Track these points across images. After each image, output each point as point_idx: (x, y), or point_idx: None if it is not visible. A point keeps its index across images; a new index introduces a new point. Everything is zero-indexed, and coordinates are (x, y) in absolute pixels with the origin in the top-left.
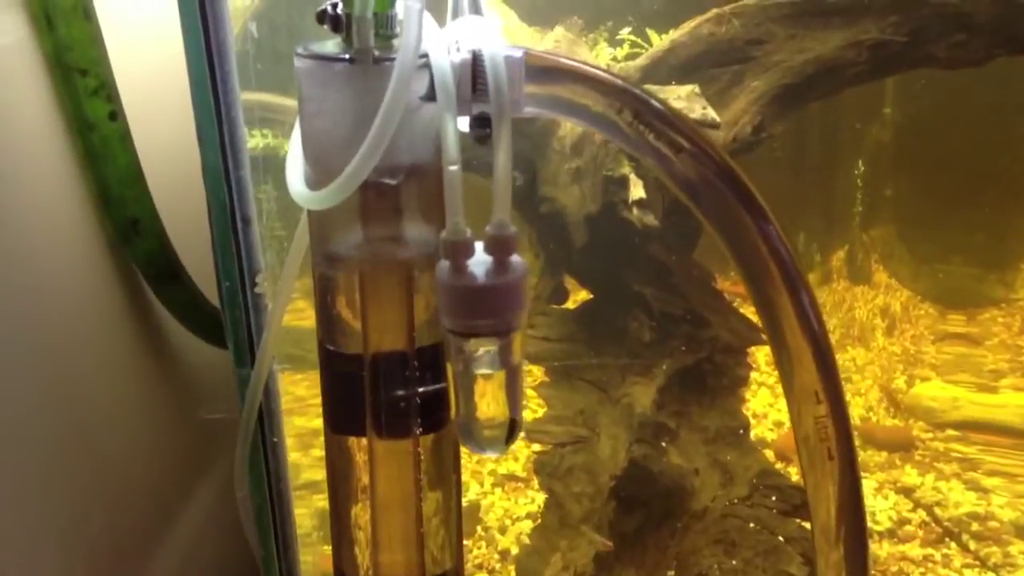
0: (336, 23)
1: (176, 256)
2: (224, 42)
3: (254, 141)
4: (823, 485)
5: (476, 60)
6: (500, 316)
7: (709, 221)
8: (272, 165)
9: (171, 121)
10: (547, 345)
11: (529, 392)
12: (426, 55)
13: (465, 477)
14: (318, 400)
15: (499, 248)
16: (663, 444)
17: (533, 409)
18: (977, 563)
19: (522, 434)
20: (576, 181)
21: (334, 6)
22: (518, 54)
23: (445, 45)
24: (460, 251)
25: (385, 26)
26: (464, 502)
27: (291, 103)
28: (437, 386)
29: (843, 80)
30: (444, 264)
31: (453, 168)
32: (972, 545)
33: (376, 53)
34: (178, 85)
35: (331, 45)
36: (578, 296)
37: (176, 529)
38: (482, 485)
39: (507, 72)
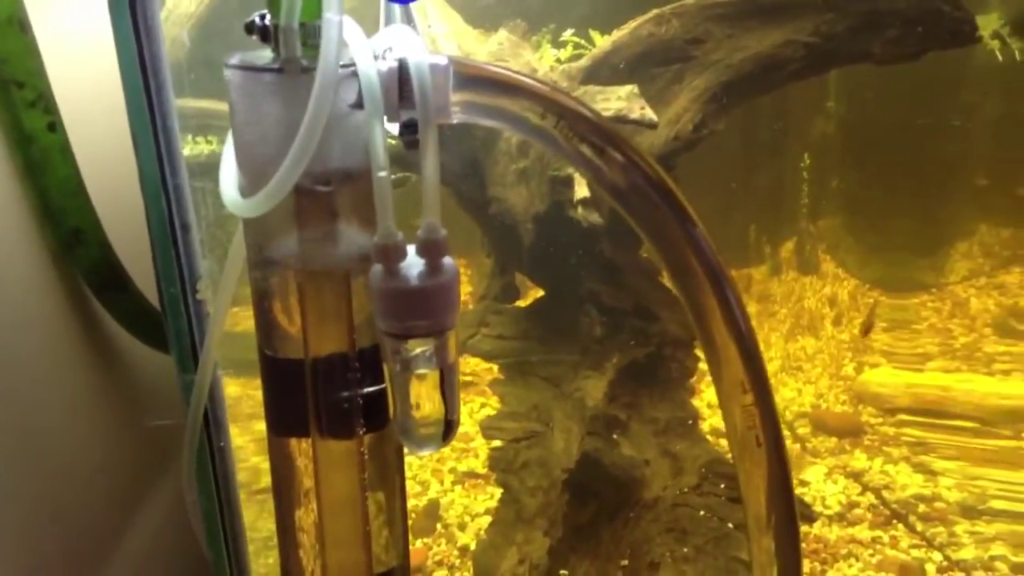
0: (264, 34)
1: (120, 264)
2: (157, 53)
3: (196, 147)
4: (753, 475)
5: (402, 68)
6: (434, 317)
7: (638, 225)
8: (212, 171)
9: (111, 131)
10: (501, 343)
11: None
12: (353, 64)
13: (425, 475)
14: None
15: (431, 251)
16: (615, 436)
17: (493, 407)
18: (924, 543)
19: (477, 431)
20: (523, 181)
21: (262, 17)
22: (443, 62)
23: (371, 54)
24: (392, 255)
25: (313, 36)
26: (424, 500)
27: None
28: (379, 386)
29: (781, 77)
30: (377, 268)
31: (382, 174)
32: (919, 526)
33: (304, 63)
34: (117, 95)
35: (264, 56)
36: (531, 294)
37: (129, 535)
38: (442, 483)
39: (432, 80)
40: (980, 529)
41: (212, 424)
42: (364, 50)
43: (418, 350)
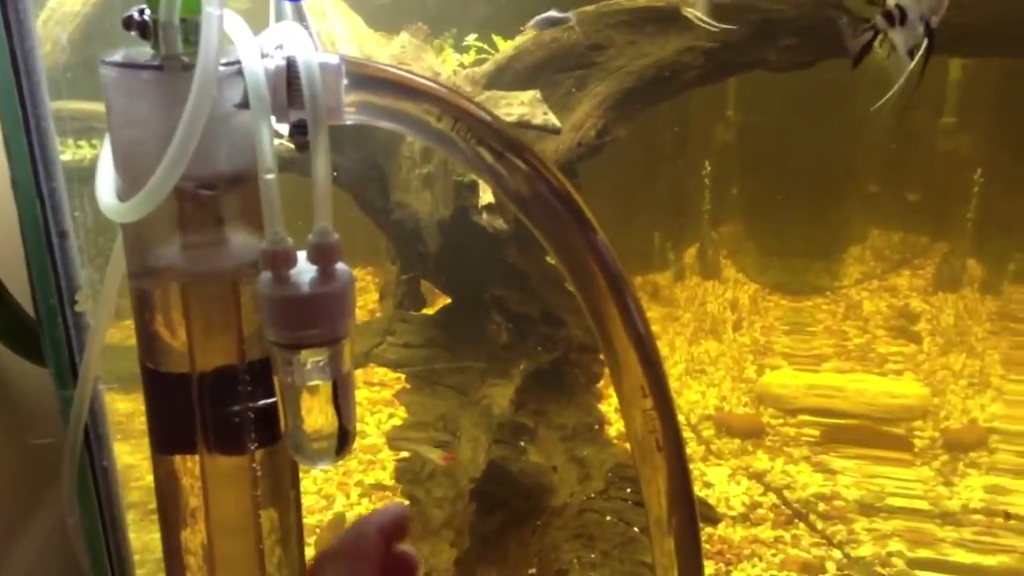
0: (143, 29)
1: None
2: (31, 52)
3: (80, 151)
4: (654, 479)
5: (291, 66)
6: (327, 325)
7: (540, 233)
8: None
9: None
10: (407, 352)
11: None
12: (238, 61)
13: (331, 489)
14: None
15: (323, 256)
16: (522, 444)
17: (401, 416)
18: (824, 541)
19: (384, 442)
20: (427, 186)
21: (141, 12)
22: (335, 61)
23: (257, 50)
24: (281, 261)
25: (195, 32)
26: (330, 514)
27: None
28: (271, 399)
29: (681, 84)
30: (266, 276)
31: (269, 176)
32: (819, 524)
33: (185, 60)
34: None
35: (144, 51)
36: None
37: (8, 561)
38: (348, 496)
39: (323, 79)
40: (878, 526)
41: (94, 441)
42: (249, 46)
43: (311, 361)
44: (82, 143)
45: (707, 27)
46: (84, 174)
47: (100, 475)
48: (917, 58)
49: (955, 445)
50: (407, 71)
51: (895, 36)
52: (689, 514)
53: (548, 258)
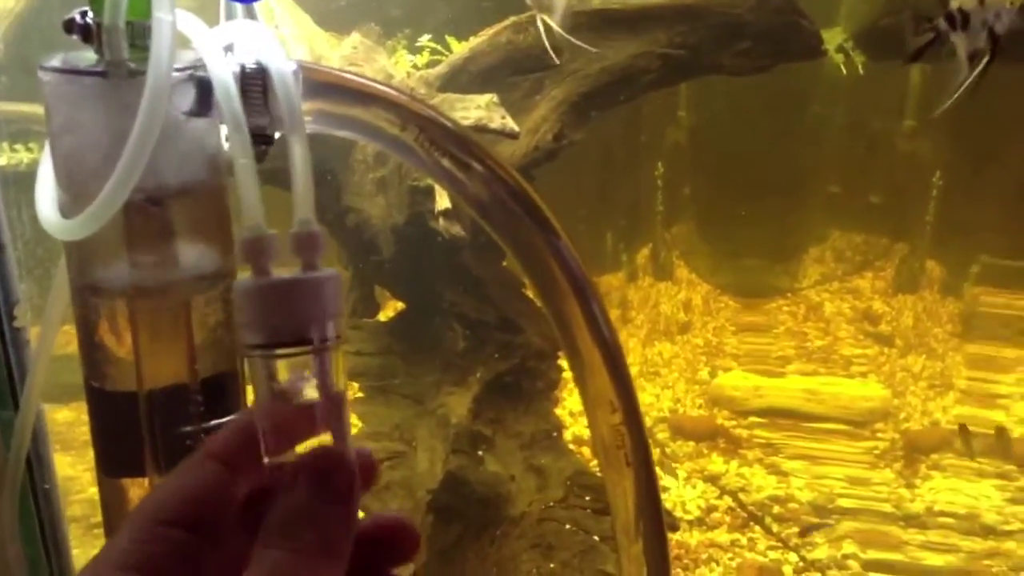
0: (86, 33)
1: None
2: None
3: (15, 155)
4: (620, 483)
5: (245, 72)
6: (311, 318)
7: (501, 238)
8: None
9: None
10: (362, 360)
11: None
12: (190, 67)
13: None
14: None
15: (306, 246)
16: (480, 453)
17: (355, 426)
18: (780, 544)
19: None
20: (381, 191)
21: (83, 14)
22: (293, 67)
23: (223, 54)
24: (263, 250)
25: (141, 36)
26: None
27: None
28: (224, 419)
29: (638, 87)
30: (242, 278)
31: (244, 161)
32: (775, 527)
33: (132, 66)
34: None
35: (87, 57)
36: (391, 309)
37: None
38: None
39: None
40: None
41: (35, 462)
42: (214, 50)
43: (296, 374)
44: (18, 147)
45: (558, 38)
46: (20, 179)
47: (42, 498)
48: (979, 65)
49: (915, 447)
50: (362, 76)
51: (956, 40)
52: (656, 519)
53: (504, 264)
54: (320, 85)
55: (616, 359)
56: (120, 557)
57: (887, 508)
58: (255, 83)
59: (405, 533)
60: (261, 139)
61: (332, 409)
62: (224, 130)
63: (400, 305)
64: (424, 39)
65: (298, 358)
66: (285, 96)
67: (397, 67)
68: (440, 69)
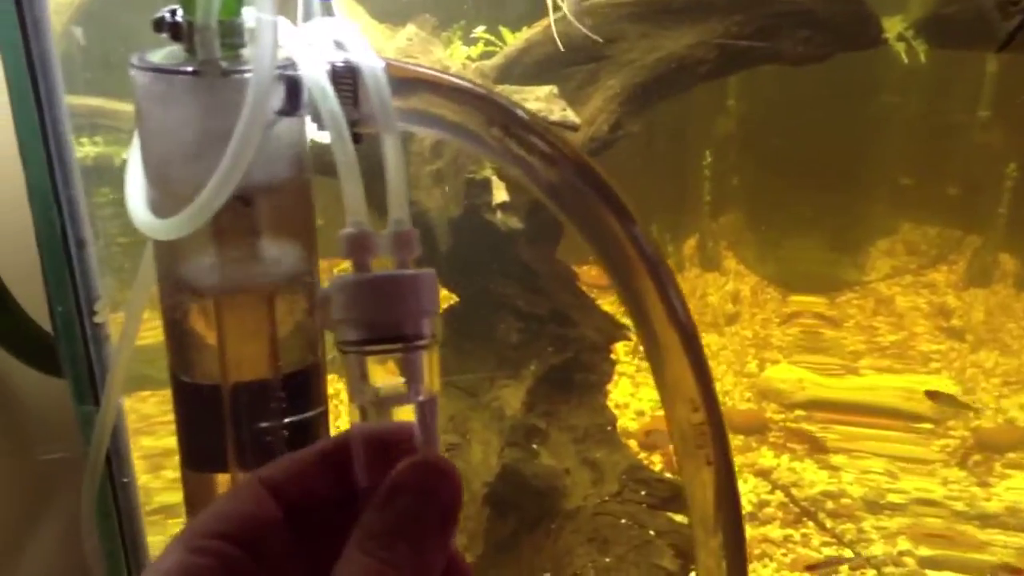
0: (176, 31)
1: (0, 281)
2: (47, 52)
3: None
4: (698, 475)
5: (336, 71)
6: (411, 316)
7: (574, 224)
8: (109, 175)
9: None
10: None
11: None
12: (279, 67)
13: None
14: (167, 418)
15: (401, 245)
16: (534, 446)
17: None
18: (834, 540)
19: None
20: (437, 184)
21: (172, 12)
22: (380, 65)
23: (318, 57)
24: (365, 246)
25: (232, 35)
26: None
27: (125, 108)
28: (305, 415)
29: (694, 77)
30: (340, 275)
31: (345, 158)
32: (828, 523)
33: (224, 65)
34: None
35: (169, 53)
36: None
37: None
38: None
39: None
40: (884, 524)
41: (114, 458)
42: (305, 50)
43: (388, 382)
44: (83, 140)
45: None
46: (86, 173)
47: (120, 493)
48: None
49: (988, 445)
50: (434, 69)
51: None
52: (735, 511)
53: (558, 256)
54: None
55: (694, 343)
56: (174, 567)
57: (959, 507)
58: (346, 81)
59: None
60: (351, 138)
61: (426, 411)
62: (310, 127)
63: (453, 298)
64: (478, 30)
65: (393, 357)
66: (377, 94)
67: (452, 58)
68: (496, 60)
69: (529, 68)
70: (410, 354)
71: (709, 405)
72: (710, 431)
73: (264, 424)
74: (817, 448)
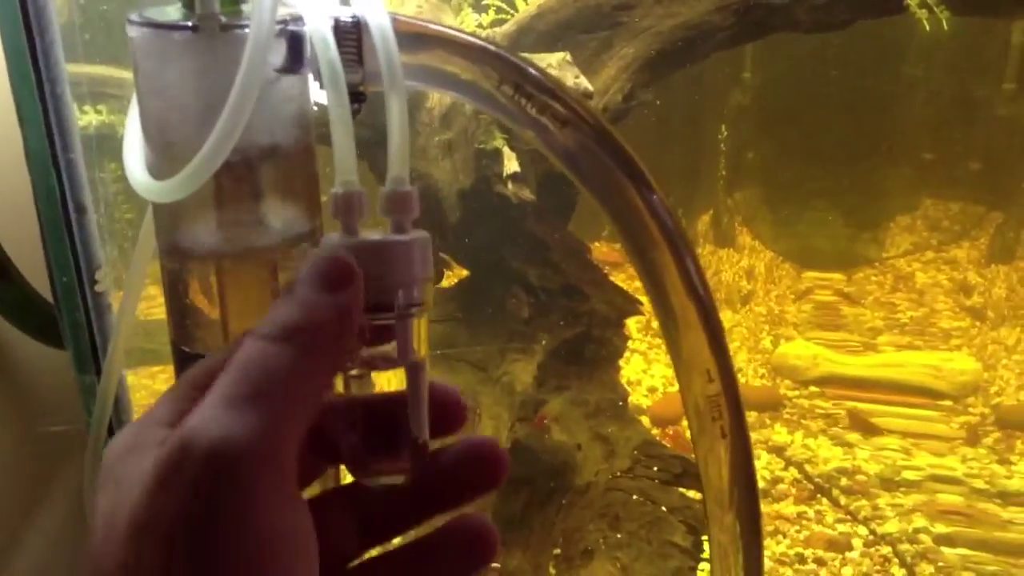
0: None
1: (2, 250)
2: (44, 9)
3: (89, 118)
4: (713, 449)
5: (340, 25)
6: (401, 283)
7: (590, 190)
8: (111, 145)
9: None
10: None
11: None
12: (280, 22)
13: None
14: None
15: (398, 206)
16: (545, 421)
17: None
18: (848, 517)
19: None
20: (447, 155)
21: None
22: (390, 20)
23: (319, 6)
24: (353, 206)
25: None
26: None
27: (129, 75)
28: None
29: (711, 45)
30: (329, 236)
31: (340, 112)
32: (842, 500)
33: (223, 20)
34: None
35: (172, 11)
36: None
37: (20, 551)
38: None
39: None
40: (900, 501)
41: (116, 430)
42: (313, 5)
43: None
44: (87, 108)
45: None
46: (87, 142)
47: None
48: None
49: (1009, 422)
50: (447, 26)
51: None
52: (751, 486)
53: (568, 229)
54: (403, 36)
55: (711, 316)
56: (161, 415)
57: (979, 484)
58: (350, 37)
59: (493, 457)
60: (353, 97)
61: (412, 377)
62: (314, 87)
63: (463, 272)
64: None
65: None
66: (384, 50)
67: (463, 25)
68: (508, 27)
69: (542, 35)
70: (400, 322)
71: (725, 377)
72: (725, 402)
73: None
74: (870, 431)
